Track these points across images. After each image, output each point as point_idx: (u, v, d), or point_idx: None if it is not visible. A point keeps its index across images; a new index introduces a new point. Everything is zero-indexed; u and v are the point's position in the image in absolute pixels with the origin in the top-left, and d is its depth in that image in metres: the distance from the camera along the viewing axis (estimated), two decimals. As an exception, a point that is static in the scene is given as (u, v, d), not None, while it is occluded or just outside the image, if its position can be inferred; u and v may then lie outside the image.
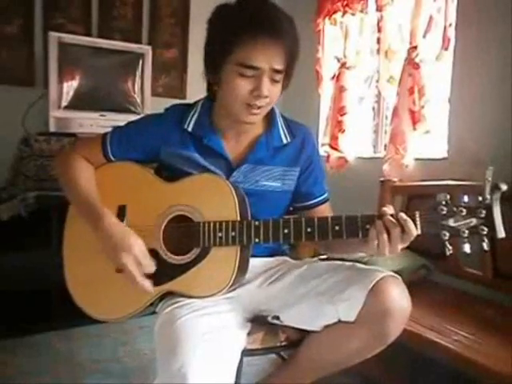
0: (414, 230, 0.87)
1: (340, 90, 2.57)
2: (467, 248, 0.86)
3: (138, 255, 0.97)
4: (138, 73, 2.47)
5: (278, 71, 0.98)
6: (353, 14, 2.49)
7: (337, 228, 0.92)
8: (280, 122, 1.14)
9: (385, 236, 0.87)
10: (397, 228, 0.87)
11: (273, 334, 1.07)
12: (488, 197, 0.84)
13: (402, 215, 0.87)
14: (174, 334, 0.89)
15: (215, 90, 1.07)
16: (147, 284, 0.98)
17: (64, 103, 2.26)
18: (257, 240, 0.97)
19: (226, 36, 0.97)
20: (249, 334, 1.02)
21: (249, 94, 0.99)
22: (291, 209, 1.22)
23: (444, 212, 0.87)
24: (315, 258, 1.22)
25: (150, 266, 0.99)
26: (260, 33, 0.94)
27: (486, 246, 0.85)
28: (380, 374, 1.61)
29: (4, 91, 2.37)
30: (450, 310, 1.49)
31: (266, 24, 0.94)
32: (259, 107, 1.01)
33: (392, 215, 0.89)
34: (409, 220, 0.87)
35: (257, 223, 0.97)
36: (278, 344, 1.08)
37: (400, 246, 0.88)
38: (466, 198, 0.86)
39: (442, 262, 1.74)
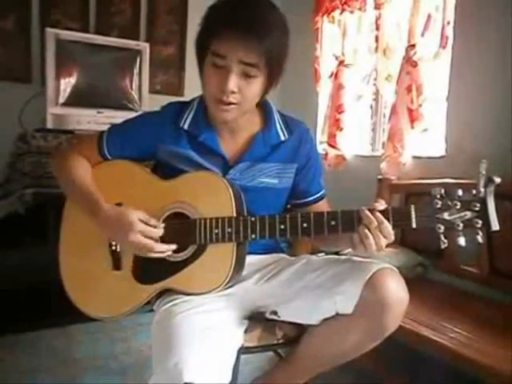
0: (391, 233, 0.89)
1: (338, 87, 2.57)
2: (462, 241, 0.86)
3: (142, 229, 0.96)
4: (136, 70, 2.46)
5: (249, 65, 0.96)
6: (351, 12, 2.49)
7: (333, 223, 0.93)
8: (277, 118, 1.13)
9: (368, 241, 0.88)
10: (378, 233, 0.88)
11: (270, 332, 1.07)
12: (482, 190, 0.85)
13: (381, 221, 0.88)
14: (171, 330, 0.89)
15: None
16: (165, 247, 0.99)
17: (61, 100, 2.25)
18: (253, 236, 0.97)
19: (205, 27, 0.99)
20: (246, 331, 1.02)
21: (216, 87, 0.98)
22: (288, 207, 1.22)
23: (439, 205, 0.87)
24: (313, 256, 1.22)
25: (158, 230, 0.99)
26: (230, 23, 0.94)
27: (480, 238, 0.85)
28: (377, 371, 1.61)
29: (0, 88, 2.36)
30: (446, 307, 1.49)
31: (238, 16, 0.94)
32: (229, 104, 0.99)
33: (382, 211, 0.89)
34: (386, 225, 0.88)
35: (253, 219, 0.97)
36: (275, 341, 1.07)
37: (384, 244, 0.89)
38: (460, 192, 0.87)
39: (438, 260, 1.74)
